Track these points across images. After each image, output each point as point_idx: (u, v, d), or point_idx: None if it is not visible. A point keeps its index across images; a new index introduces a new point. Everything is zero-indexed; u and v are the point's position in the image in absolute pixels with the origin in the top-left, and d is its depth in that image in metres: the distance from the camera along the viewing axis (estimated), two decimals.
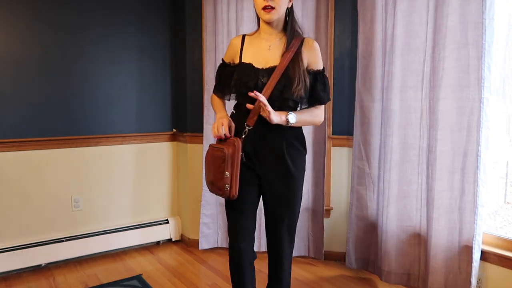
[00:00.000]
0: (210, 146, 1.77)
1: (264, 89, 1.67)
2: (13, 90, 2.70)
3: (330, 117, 2.88)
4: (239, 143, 1.67)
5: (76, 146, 2.94)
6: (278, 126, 1.71)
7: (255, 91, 1.61)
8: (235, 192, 1.69)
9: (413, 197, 2.46)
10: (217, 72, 1.91)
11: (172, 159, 3.41)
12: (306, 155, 2.39)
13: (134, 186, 3.24)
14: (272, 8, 1.65)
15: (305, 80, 1.70)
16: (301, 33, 1.79)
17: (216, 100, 1.93)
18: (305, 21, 2.83)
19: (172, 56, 3.35)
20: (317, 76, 1.77)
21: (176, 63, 3.33)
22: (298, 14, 2.78)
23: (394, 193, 2.49)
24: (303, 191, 2.43)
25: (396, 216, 2.50)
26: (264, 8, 1.66)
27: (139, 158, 3.24)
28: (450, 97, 2.23)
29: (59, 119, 2.87)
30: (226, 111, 1.86)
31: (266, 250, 1.96)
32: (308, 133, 2.91)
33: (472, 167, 2.19)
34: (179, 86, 3.29)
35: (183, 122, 3.25)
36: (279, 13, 1.69)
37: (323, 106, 1.83)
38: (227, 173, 1.66)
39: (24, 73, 2.73)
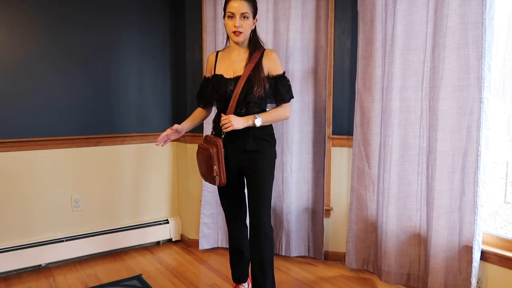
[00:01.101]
0: (199, 146, 2.17)
1: (233, 96, 2.06)
2: (13, 90, 2.70)
3: (330, 117, 2.88)
4: (220, 142, 2.07)
5: (76, 146, 2.95)
6: (247, 127, 2.08)
7: (222, 115, 2.06)
8: (224, 180, 2.09)
9: (413, 197, 2.46)
10: (201, 87, 2.27)
11: (172, 159, 3.41)
12: (306, 155, 2.98)
13: (134, 186, 3.24)
14: (240, 32, 2.06)
15: (264, 85, 2.06)
16: (262, 45, 2.18)
17: (194, 112, 2.34)
18: (305, 21, 2.84)
19: (172, 56, 3.35)
20: (278, 80, 2.13)
21: (176, 63, 3.33)
22: (298, 14, 2.81)
23: (394, 193, 2.49)
24: (303, 190, 2.98)
25: (396, 216, 2.50)
26: (234, 32, 2.06)
27: (139, 158, 3.25)
28: (450, 97, 2.23)
29: (59, 119, 2.87)
30: (187, 123, 2.30)
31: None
32: (308, 133, 2.91)
33: (472, 167, 2.19)
34: (179, 86, 3.30)
35: None
36: (245, 36, 2.10)
37: (288, 104, 2.19)
38: (215, 167, 2.06)
39: (24, 74, 2.73)
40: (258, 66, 2.10)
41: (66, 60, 2.87)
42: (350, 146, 2.83)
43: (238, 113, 2.08)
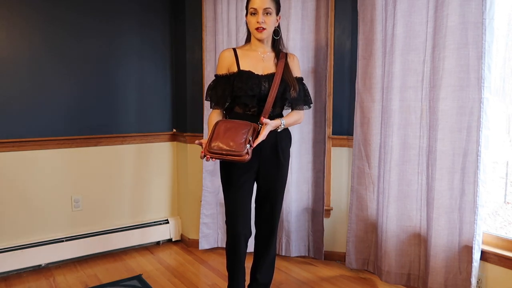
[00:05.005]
0: (224, 119, 1.95)
1: (271, 93, 1.97)
2: (13, 91, 2.70)
3: (330, 117, 2.88)
4: (258, 128, 1.92)
5: (76, 146, 2.95)
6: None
7: (263, 118, 1.93)
8: (250, 155, 1.82)
9: (413, 197, 2.46)
10: (214, 86, 2.06)
11: (172, 159, 3.41)
12: (306, 155, 2.99)
13: (134, 186, 3.24)
14: (264, 28, 1.99)
15: (295, 85, 2.05)
16: (284, 47, 2.16)
17: (214, 121, 2.00)
18: (305, 21, 2.84)
19: (172, 56, 3.35)
20: (300, 83, 2.12)
21: (176, 63, 3.33)
22: (298, 14, 2.81)
23: (394, 193, 2.49)
24: (303, 190, 2.99)
25: (396, 216, 2.50)
26: (257, 28, 2.00)
27: (139, 158, 3.25)
28: (450, 97, 2.23)
29: (59, 119, 2.87)
30: None
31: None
32: (308, 133, 2.91)
33: (472, 167, 2.19)
34: (179, 86, 3.29)
35: (183, 122, 3.25)
36: (268, 32, 2.03)
37: (304, 110, 2.17)
38: (250, 138, 1.84)
39: (24, 74, 2.73)
40: (287, 65, 2.07)
41: (66, 61, 2.87)
42: (350, 146, 2.83)
43: (273, 112, 2.02)
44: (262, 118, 1.94)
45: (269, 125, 1.94)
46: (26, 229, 2.80)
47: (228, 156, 1.78)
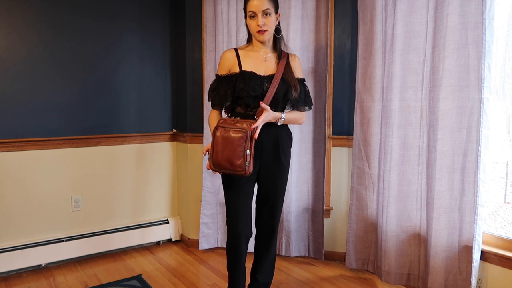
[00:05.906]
0: (221, 128, 1.89)
1: (268, 93, 1.97)
2: (14, 90, 2.70)
3: (330, 117, 2.88)
4: (252, 126, 1.89)
5: (76, 146, 2.95)
6: (274, 124, 2.03)
7: (261, 102, 1.91)
8: (252, 168, 1.89)
9: (413, 197, 2.46)
10: (216, 86, 2.05)
11: (172, 159, 3.41)
12: (306, 155, 2.98)
13: (134, 186, 3.24)
14: (265, 30, 1.98)
15: (297, 86, 2.04)
16: (285, 46, 2.16)
17: (215, 121, 2.04)
18: (305, 21, 2.84)
19: (172, 56, 3.35)
20: (302, 84, 2.12)
21: (176, 63, 3.33)
22: (298, 14, 2.81)
23: (394, 193, 2.49)
24: (303, 190, 3.00)
25: (396, 216, 2.50)
26: (258, 31, 1.99)
27: (139, 158, 3.25)
28: (450, 97, 2.23)
29: (59, 119, 2.87)
30: None
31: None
32: (308, 133, 2.91)
33: (472, 167, 2.19)
34: (179, 86, 3.30)
35: (183, 122, 3.25)
36: (270, 34, 2.03)
37: (304, 111, 2.16)
38: (248, 151, 1.84)
39: (24, 74, 2.73)
40: (289, 65, 2.07)
41: (66, 61, 2.87)
42: (350, 146, 2.83)
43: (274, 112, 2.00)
44: (261, 102, 1.91)
45: (268, 113, 1.92)
46: (26, 229, 2.80)
47: (232, 173, 1.89)
